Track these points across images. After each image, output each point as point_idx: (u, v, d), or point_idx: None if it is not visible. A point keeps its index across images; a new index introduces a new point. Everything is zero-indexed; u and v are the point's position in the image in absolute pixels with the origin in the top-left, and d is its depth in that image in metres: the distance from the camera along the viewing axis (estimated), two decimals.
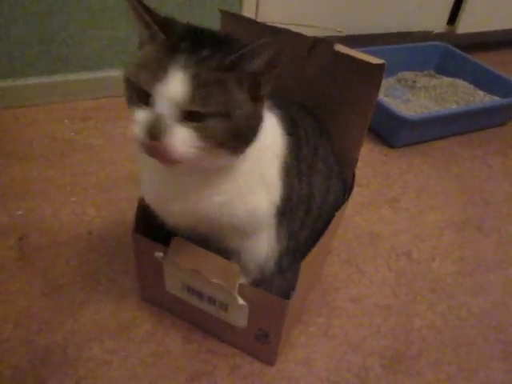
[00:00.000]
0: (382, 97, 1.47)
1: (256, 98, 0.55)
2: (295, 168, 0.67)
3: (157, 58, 0.51)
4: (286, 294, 0.66)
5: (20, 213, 0.99)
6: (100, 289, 0.86)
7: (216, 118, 0.51)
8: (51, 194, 1.04)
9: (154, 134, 0.50)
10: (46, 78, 1.29)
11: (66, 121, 1.27)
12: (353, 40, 1.57)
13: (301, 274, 0.64)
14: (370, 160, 1.28)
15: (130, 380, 0.74)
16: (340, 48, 0.72)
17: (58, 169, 1.11)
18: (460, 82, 1.61)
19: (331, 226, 0.73)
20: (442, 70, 1.67)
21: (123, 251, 0.92)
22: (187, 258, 0.67)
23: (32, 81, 1.28)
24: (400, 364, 0.81)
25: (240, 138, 0.55)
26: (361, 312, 0.88)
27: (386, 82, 1.58)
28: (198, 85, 0.49)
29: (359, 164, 0.80)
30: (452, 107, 1.50)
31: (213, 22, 0.59)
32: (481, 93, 1.56)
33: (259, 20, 0.76)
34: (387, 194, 1.17)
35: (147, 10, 0.52)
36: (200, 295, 0.73)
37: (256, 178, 0.63)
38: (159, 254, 0.70)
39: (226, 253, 0.69)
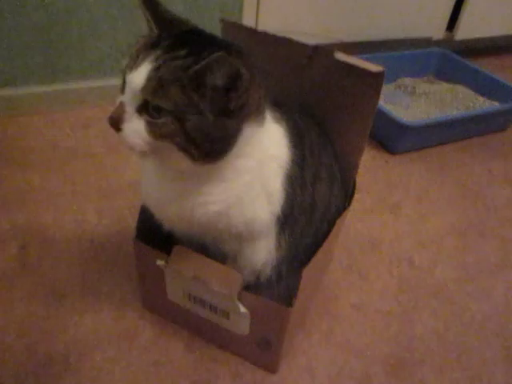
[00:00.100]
0: (383, 103, 1.47)
1: (225, 112, 0.53)
2: (299, 178, 0.67)
3: (139, 50, 0.54)
4: (288, 302, 0.66)
5: (21, 221, 0.99)
6: (101, 297, 0.86)
7: (169, 118, 0.52)
8: (53, 202, 1.04)
9: (113, 119, 0.53)
10: (47, 87, 1.30)
11: (67, 129, 1.28)
12: (352, 47, 1.59)
13: (302, 281, 0.64)
14: (370, 166, 1.28)
15: None
16: (340, 56, 0.72)
17: (59, 177, 1.11)
18: (460, 88, 1.61)
19: (332, 232, 0.73)
20: (442, 75, 1.68)
21: (125, 259, 0.93)
22: (189, 266, 0.67)
23: (33, 89, 1.29)
24: (403, 370, 0.80)
25: (195, 145, 0.53)
26: (363, 319, 0.88)
27: (386, 89, 1.58)
28: (158, 78, 0.50)
29: (360, 170, 0.80)
30: (452, 113, 1.50)
31: (213, 32, 0.59)
32: (481, 98, 1.56)
33: (259, 28, 0.77)
34: (388, 201, 1.17)
35: (155, 4, 0.56)
36: (202, 303, 0.73)
37: (257, 189, 0.62)
38: (161, 262, 0.70)
39: (223, 254, 0.70)
